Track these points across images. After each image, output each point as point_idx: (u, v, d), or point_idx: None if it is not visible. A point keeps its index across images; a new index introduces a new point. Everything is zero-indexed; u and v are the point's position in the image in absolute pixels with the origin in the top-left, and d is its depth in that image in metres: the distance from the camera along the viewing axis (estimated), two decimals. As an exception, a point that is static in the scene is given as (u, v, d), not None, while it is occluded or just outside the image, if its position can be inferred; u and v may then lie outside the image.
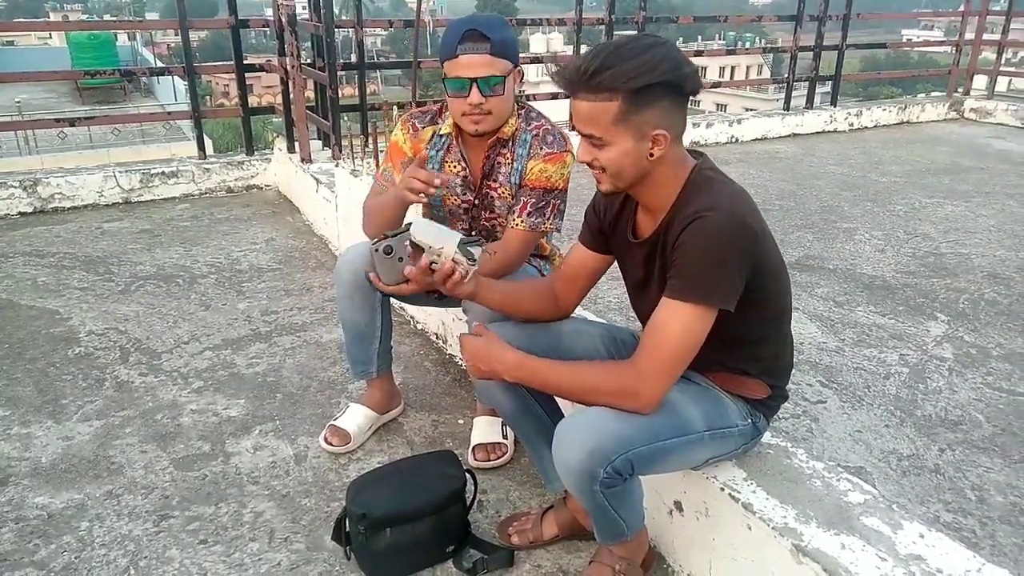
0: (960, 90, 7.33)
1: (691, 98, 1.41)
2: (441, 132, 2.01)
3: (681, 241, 1.34)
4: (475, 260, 1.57)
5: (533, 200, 1.92)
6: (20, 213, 4.17)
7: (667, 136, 1.35)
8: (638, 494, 1.52)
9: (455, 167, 2.01)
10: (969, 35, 7.12)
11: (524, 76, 1.99)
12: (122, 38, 22.13)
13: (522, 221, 1.92)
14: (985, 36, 7.23)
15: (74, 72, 7.86)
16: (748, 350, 1.49)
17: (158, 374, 2.55)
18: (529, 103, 2.07)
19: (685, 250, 1.33)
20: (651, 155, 1.37)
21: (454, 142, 2.00)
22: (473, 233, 2.07)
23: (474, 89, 1.81)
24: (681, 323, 1.34)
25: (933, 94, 7.76)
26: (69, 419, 2.29)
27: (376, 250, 1.58)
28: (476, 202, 2.04)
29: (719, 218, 1.32)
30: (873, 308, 2.99)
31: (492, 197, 2.01)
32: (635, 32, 1.40)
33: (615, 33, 5.47)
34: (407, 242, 1.57)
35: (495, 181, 1.99)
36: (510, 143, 1.96)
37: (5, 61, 19.53)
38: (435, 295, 1.83)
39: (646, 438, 1.38)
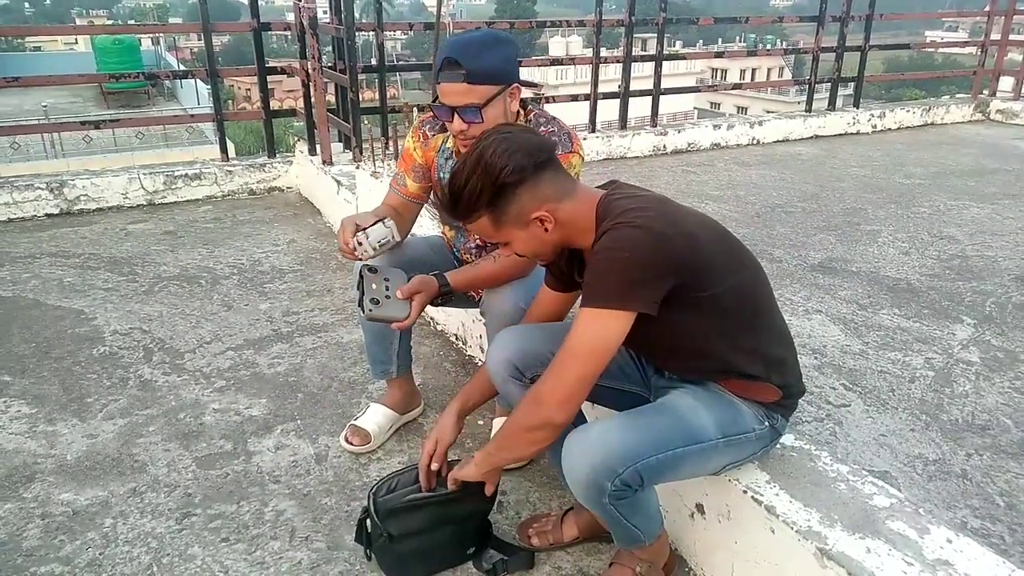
0: (986, 91, 7.24)
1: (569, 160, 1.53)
2: (448, 144, 2.02)
3: (589, 259, 1.39)
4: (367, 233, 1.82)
5: None
6: (47, 215, 4.23)
7: (547, 213, 1.41)
8: (652, 502, 1.51)
9: None
10: (995, 36, 7.03)
11: (530, 88, 1.96)
12: (146, 43, 22.42)
13: None
14: (1012, 37, 7.13)
15: (99, 76, 8.00)
16: (729, 348, 1.46)
17: (181, 373, 2.57)
18: (540, 108, 2.05)
19: (590, 264, 1.38)
20: (546, 230, 1.43)
21: (457, 155, 2.00)
22: (488, 244, 2.09)
23: (456, 117, 1.82)
24: (586, 328, 1.35)
25: (958, 96, 7.65)
26: (94, 417, 2.32)
27: (370, 312, 1.75)
28: None
29: (620, 229, 1.34)
30: (897, 311, 2.96)
31: None
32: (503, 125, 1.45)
33: (634, 36, 5.46)
34: (373, 281, 1.78)
35: None
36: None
37: (33, 66, 19.86)
38: (439, 300, 1.89)
39: (654, 449, 1.38)
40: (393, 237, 1.87)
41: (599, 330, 1.34)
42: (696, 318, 1.40)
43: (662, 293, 1.34)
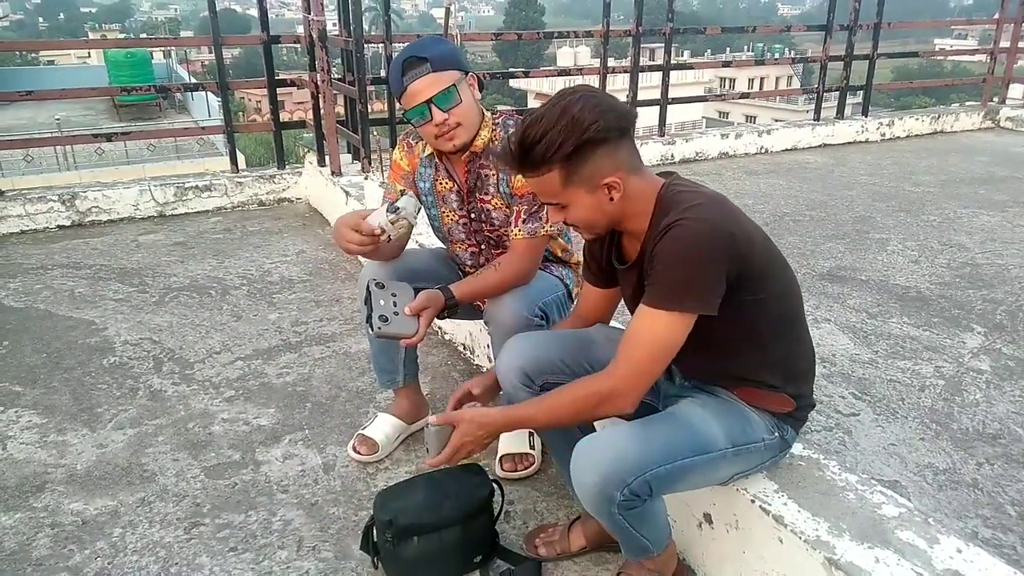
0: (995, 99, 7.21)
1: (634, 128, 1.43)
2: (425, 154, 2.04)
3: (655, 252, 1.36)
4: (397, 209, 1.80)
5: (525, 207, 1.92)
6: (59, 226, 4.27)
7: (619, 181, 1.38)
8: (660, 513, 1.51)
9: (446, 183, 2.03)
10: (1004, 43, 7.00)
11: (484, 84, 1.99)
12: (158, 56, 22.64)
13: (519, 230, 1.92)
14: (1021, 44, 7.10)
15: (111, 88, 8.09)
16: (758, 355, 1.47)
17: (190, 383, 2.59)
18: (508, 111, 2.07)
19: (658, 260, 1.36)
20: (611, 199, 1.40)
21: (438, 160, 2.02)
22: (482, 247, 2.10)
23: (433, 109, 1.83)
24: (653, 329, 1.36)
25: (967, 103, 7.62)
26: (104, 427, 2.33)
27: (379, 330, 1.75)
28: (472, 216, 2.05)
29: (689, 225, 1.33)
30: (907, 319, 2.94)
31: (488, 210, 2.01)
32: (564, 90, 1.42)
33: (642, 46, 5.47)
34: (381, 298, 1.78)
35: (486, 194, 1.99)
36: (488, 155, 1.96)
37: (47, 79, 20.08)
38: (445, 313, 1.89)
39: (664, 459, 1.38)
40: (418, 207, 1.89)
41: (663, 331, 1.35)
42: (737, 321, 1.40)
43: (722, 291, 1.35)
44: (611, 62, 5.52)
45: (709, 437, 1.43)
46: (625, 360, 1.38)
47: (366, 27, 4.26)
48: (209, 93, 14.44)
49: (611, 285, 1.67)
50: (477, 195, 2.00)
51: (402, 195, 1.90)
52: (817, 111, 6.46)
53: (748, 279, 1.37)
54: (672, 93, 5.71)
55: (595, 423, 1.76)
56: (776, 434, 1.51)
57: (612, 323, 1.87)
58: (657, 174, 1.49)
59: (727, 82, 38.99)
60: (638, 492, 1.37)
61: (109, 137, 5.15)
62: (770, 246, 1.46)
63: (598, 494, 1.37)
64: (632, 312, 1.59)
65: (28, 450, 2.22)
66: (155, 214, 4.49)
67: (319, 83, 4.39)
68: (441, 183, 2.04)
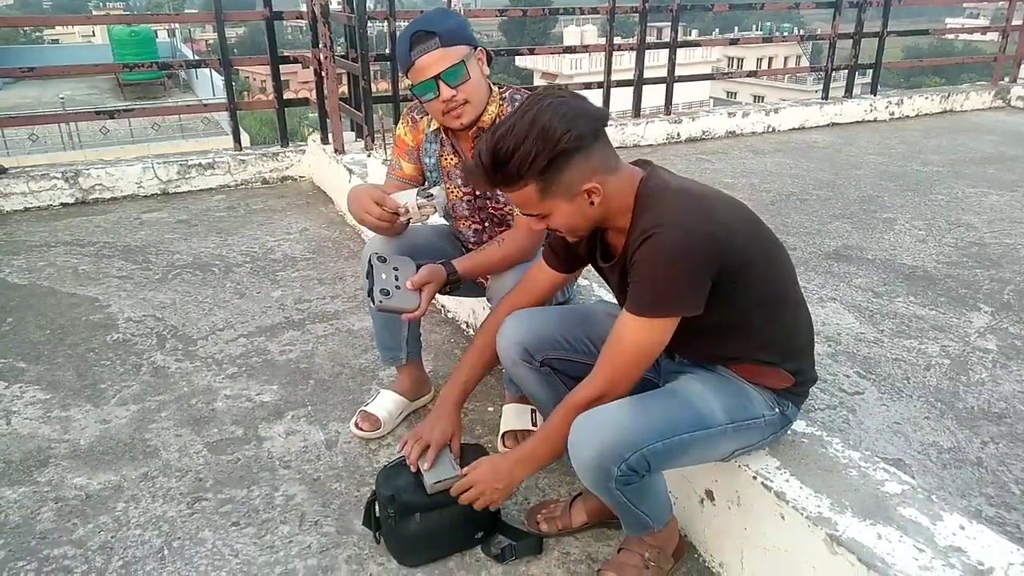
0: (1007, 78, 7.12)
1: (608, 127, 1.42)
2: (431, 129, 2.02)
3: (634, 260, 1.36)
4: (431, 196, 1.86)
5: None
6: (62, 204, 4.26)
7: (598, 186, 1.36)
8: (660, 488, 1.51)
9: (451, 159, 2.01)
10: (1016, 21, 6.91)
11: (492, 58, 1.94)
12: (163, 35, 22.56)
13: None
14: (1034, 22, 7.01)
15: (112, 66, 8.05)
16: (750, 338, 1.46)
17: (193, 360, 2.59)
18: (516, 86, 2.05)
19: (638, 268, 1.35)
20: (592, 204, 1.38)
21: (444, 135, 1.99)
22: (486, 224, 2.09)
23: (441, 85, 1.80)
24: (636, 333, 1.37)
25: (978, 83, 7.53)
26: (107, 403, 2.34)
27: (380, 303, 1.74)
28: (477, 193, 2.03)
29: (666, 234, 1.31)
30: (913, 299, 2.92)
31: None
32: (526, 94, 1.39)
33: (649, 25, 5.40)
34: (383, 271, 1.78)
35: None
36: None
37: (51, 58, 20.03)
38: (447, 288, 1.89)
39: (661, 434, 1.38)
40: (446, 204, 1.98)
41: (646, 336, 1.37)
42: (725, 309, 1.39)
43: (707, 290, 1.34)
44: (617, 40, 5.46)
45: (708, 413, 1.43)
46: (609, 364, 1.41)
47: (370, 4, 4.21)
48: (214, 73, 14.36)
49: (570, 270, 1.66)
50: None
51: (434, 185, 1.91)
52: (825, 90, 6.40)
53: (732, 269, 1.35)
54: (679, 72, 5.65)
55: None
56: (776, 410, 1.50)
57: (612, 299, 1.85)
58: (632, 163, 1.47)
59: (735, 62, 38.65)
60: (636, 467, 1.36)
61: (112, 114, 5.14)
62: (758, 231, 1.44)
63: (595, 469, 1.37)
64: (621, 304, 1.59)
65: (32, 425, 2.23)
66: (158, 192, 4.47)
67: (322, 60, 4.35)
68: (447, 159, 2.02)
